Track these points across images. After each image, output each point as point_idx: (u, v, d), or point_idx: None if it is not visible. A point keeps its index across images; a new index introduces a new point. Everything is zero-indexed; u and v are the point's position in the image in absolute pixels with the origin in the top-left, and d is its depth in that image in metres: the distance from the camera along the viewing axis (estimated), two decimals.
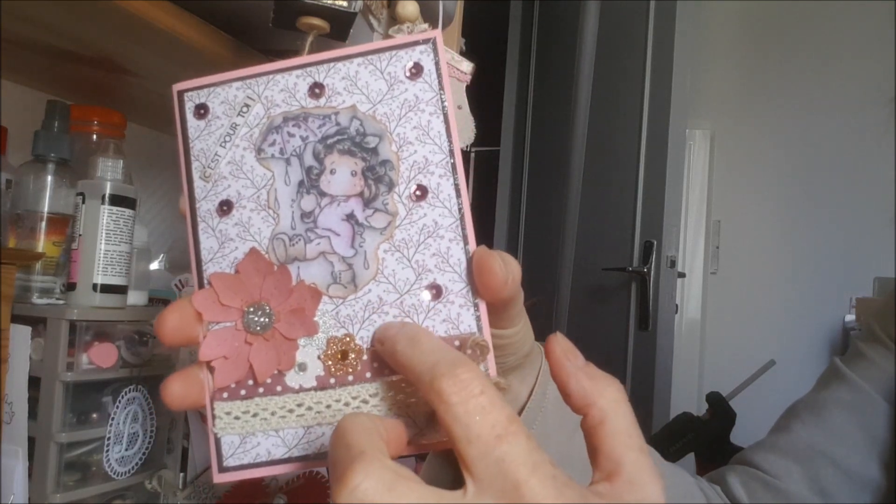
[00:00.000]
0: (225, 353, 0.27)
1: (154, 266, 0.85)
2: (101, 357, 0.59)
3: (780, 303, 2.49)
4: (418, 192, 0.27)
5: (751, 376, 1.74)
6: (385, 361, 0.27)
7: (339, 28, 0.50)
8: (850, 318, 2.34)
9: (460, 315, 0.27)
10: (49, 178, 0.64)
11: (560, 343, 0.26)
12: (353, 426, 0.23)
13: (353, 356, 0.27)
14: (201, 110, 0.29)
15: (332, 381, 0.27)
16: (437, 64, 0.28)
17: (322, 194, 0.28)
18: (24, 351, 0.57)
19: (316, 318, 0.27)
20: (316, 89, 0.28)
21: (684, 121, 2.04)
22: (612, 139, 2.11)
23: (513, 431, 0.21)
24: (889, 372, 0.56)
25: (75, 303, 0.60)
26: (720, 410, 1.57)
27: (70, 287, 0.60)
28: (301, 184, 0.28)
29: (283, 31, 0.49)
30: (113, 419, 0.60)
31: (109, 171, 0.61)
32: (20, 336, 0.57)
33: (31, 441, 0.56)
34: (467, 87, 0.57)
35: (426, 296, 0.27)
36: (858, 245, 2.39)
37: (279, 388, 0.27)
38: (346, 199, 0.28)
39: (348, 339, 0.27)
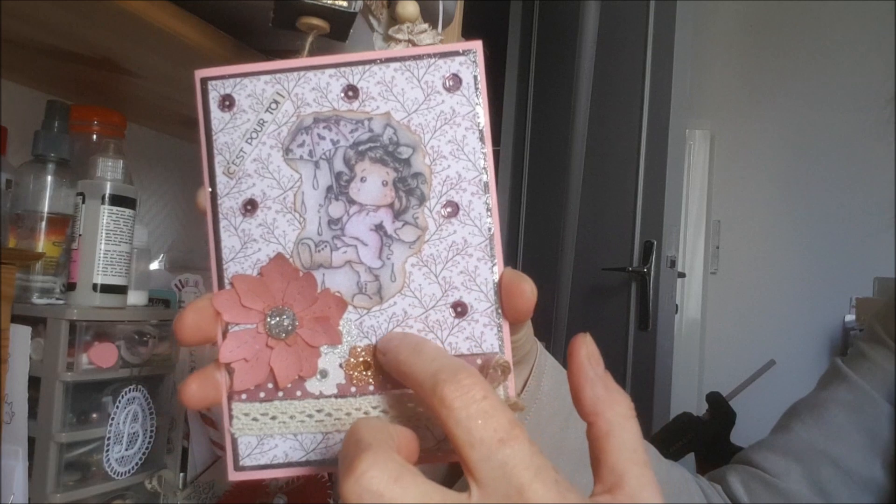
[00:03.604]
0: (245, 355, 0.27)
1: (154, 266, 0.85)
2: (101, 357, 0.59)
3: (780, 303, 2.49)
4: (449, 209, 0.27)
5: (751, 376, 1.74)
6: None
7: (339, 28, 0.50)
8: (850, 318, 2.34)
9: (483, 334, 0.27)
10: (49, 178, 0.64)
11: (587, 346, 0.26)
12: (364, 425, 0.23)
13: (375, 367, 0.27)
14: (227, 102, 0.28)
15: (353, 389, 0.27)
16: (475, 77, 0.27)
17: (351, 202, 0.27)
18: (24, 351, 0.57)
19: (339, 327, 0.27)
20: (350, 91, 0.27)
21: (684, 121, 2.04)
22: (612, 139, 2.11)
23: (515, 436, 0.21)
24: (890, 372, 0.56)
25: (75, 303, 0.60)
26: (720, 410, 1.57)
27: (70, 287, 0.60)
28: (329, 189, 0.27)
29: (283, 31, 0.49)
30: (113, 419, 0.60)
31: (109, 171, 0.61)
32: (20, 336, 0.57)
33: (31, 441, 0.56)
34: None
35: (451, 313, 0.27)
36: (858, 245, 2.39)
37: (299, 393, 0.27)
38: (376, 209, 0.27)
39: (371, 349, 0.27)
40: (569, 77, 1.87)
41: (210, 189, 0.28)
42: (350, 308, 0.27)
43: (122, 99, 0.78)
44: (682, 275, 2.33)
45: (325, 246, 0.27)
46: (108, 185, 0.61)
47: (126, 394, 0.61)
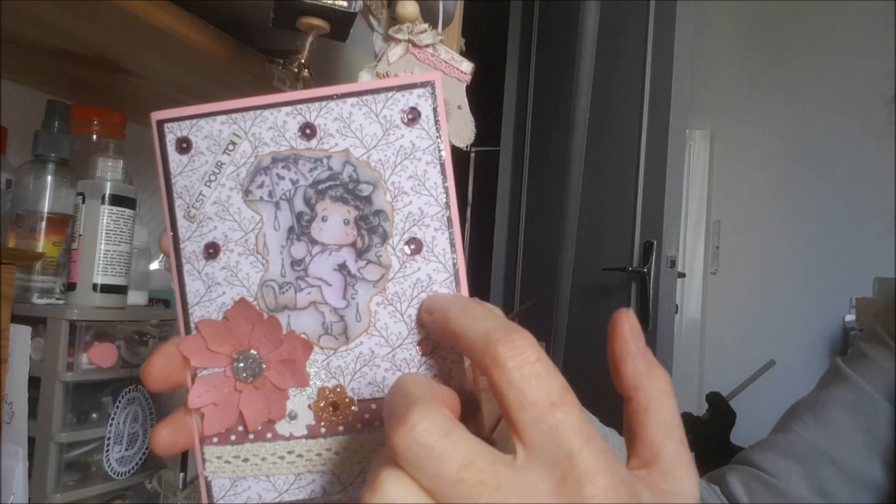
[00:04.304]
0: (214, 399, 0.27)
1: (154, 266, 0.85)
2: (101, 357, 0.59)
3: (780, 303, 2.49)
4: (413, 246, 0.27)
5: (751, 376, 1.74)
6: (375, 414, 0.27)
7: (339, 28, 0.50)
8: (850, 318, 2.34)
9: (451, 371, 0.27)
10: (49, 178, 0.64)
11: (629, 320, 0.26)
12: (413, 379, 0.23)
13: (343, 407, 0.27)
14: (183, 144, 0.28)
15: (323, 430, 0.27)
16: (434, 110, 0.27)
17: (313, 242, 0.27)
18: (24, 351, 0.57)
19: (307, 369, 0.27)
20: (307, 129, 0.27)
21: (684, 121, 2.04)
22: (612, 139, 2.11)
23: (567, 401, 0.21)
24: (890, 372, 0.55)
25: (75, 303, 0.60)
26: (720, 410, 1.57)
27: (70, 287, 0.60)
28: (291, 230, 0.27)
29: (283, 31, 0.49)
30: (113, 419, 0.60)
31: (109, 171, 0.61)
32: (20, 336, 0.57)
33: (31, 441, 0.56)
34: (467, 87, 0.57)
35: (417, 351, 0.27)
36: (858, 245, 2.39)
37: (269, 435, 0.27)
38: (339, 249, 0.27)
39: (339, 389, 0.27)
40: (569, 77, 1.87)
41: (172, 233, 0.28)
42: (316, 349, 0.27)
43: (122, 99, 0.78)
44: (682, 275, 2.33)
45: (290, 287, 0.27)
46: (108, 185, 0.61)
47: (126, 394, 0.61)
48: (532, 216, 2.36)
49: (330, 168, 0.27)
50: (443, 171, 0.27)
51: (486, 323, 0.23)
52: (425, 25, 0.55)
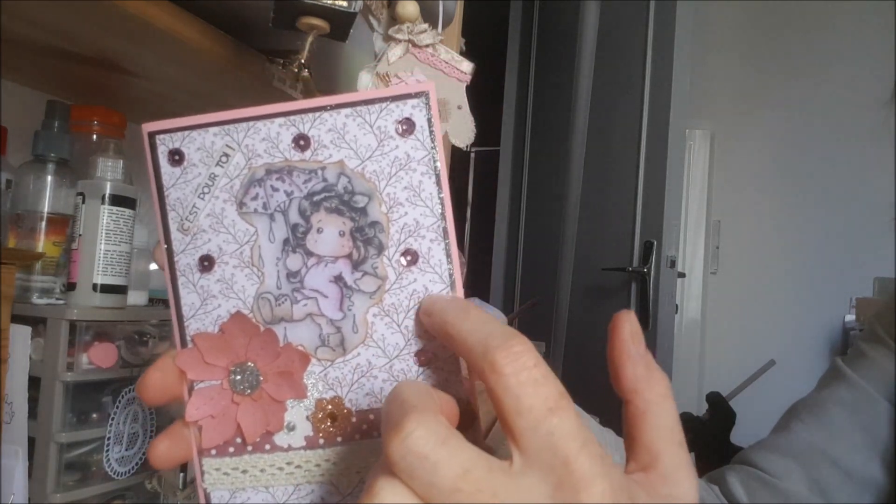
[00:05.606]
0: (211, 412, 0.27)
1: (154, 266, 0.85)
2: (101, 357, 0.59)
3: (780, 303, 2.49)
4: (409, 257, 0.27)
5: (751, 376, 1.74)
6: (374, 424, 0.27)
7: (339, 28, 0.50)
8: (850, 318, 2.34)
9: (448, 381, 0.27)
10: (49, 178, 0.64)
11: (631, 323, 0.26)
12: (409, 387, 0.23)
13: (341, 418, 0.27)
14: (176, 156, 0.27)
15: (321, 441, 0.27)
16: (429, 120, 0.27)
17: (309, 254, 0.27)
18: (24, 351, 0.57)
19: (304, 380, 0.27)
20: (301, 141, 0.27)
21: (684, 121, 2.04)
22: (612, 139, 2.11)
23: (564, 406, 0.21)
24: (890, 372, 0.56)
25: (75, 303, 0.60)
26: (720, 410, 1.57)
27: (70, 287, 0.60)
28: (286, 241, 0.27)
29: (283, 31, 0.50)
30: (113, 419, 0.60)
31: (109, 171, 0.61)
32: (20, 336, 0.57)
33: (31, 441, 0.56)
34: (467, 87, 0.57)
35: (415, 361, 0.27)
36: (858, 245, 2.39)
37: (268, 447, 0.27)
38: (334, 261, 0.27)
39: (337, 400, 0.27)
40: (569, 77, 1.88)
41: (166, 246, 0.28)
42: (314, 361, 0.27)
43: (122, 99, 0.78)
44: (682, 275, 2.34)
45: (286, 299, 0.27)
46: (108, 185, 0.61)
47: (126, 394, 0.61)
48: (532, 216, 2.36)
49: (324, 180, 0.27)
50: (438, 182, 0.27)
51: (484, 328, 0.23)
52: (425, 25, 0.55)
